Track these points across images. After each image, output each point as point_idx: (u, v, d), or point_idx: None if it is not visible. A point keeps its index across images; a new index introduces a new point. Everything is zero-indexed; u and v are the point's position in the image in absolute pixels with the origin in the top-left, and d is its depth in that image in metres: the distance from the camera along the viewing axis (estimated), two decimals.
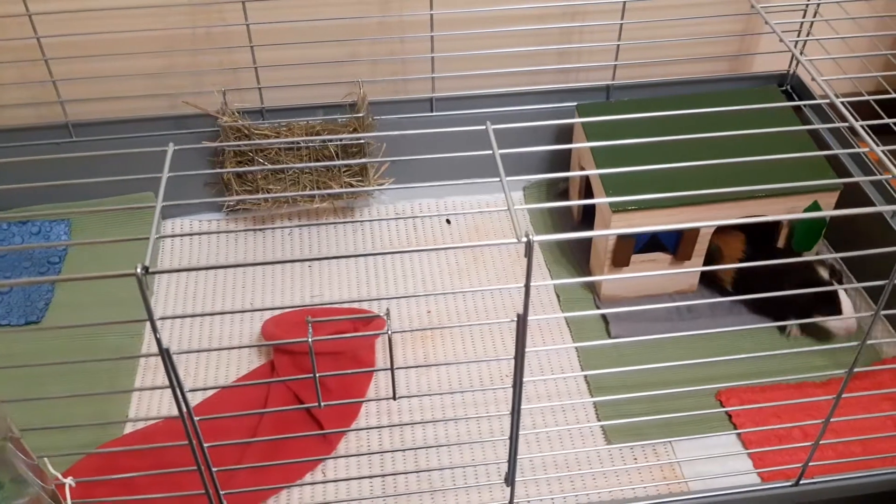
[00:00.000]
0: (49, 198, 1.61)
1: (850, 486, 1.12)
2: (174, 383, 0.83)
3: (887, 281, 0.90)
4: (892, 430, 1.28)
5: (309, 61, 1.61)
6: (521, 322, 0.84)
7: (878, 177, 1.01)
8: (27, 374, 1.31)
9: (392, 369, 0.87)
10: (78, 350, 1.40)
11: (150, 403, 1.34)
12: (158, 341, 0.79)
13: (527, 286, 0.81)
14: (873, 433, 1.25)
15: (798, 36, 1.63)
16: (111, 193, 1.62)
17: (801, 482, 1.10)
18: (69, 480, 0.92)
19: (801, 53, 1.57)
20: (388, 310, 0.86)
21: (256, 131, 1.54)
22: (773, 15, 1.24)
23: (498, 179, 0.85)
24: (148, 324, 1.44)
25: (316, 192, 0.89)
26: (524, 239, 0.78)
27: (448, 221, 1.66)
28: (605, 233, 0.85)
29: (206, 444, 0.90)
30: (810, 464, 1.08)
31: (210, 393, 1.34)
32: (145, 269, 0.74)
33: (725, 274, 1.47)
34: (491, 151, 0.87)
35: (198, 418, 0.88)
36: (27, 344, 1.42)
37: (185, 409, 0.86)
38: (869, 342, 0.98)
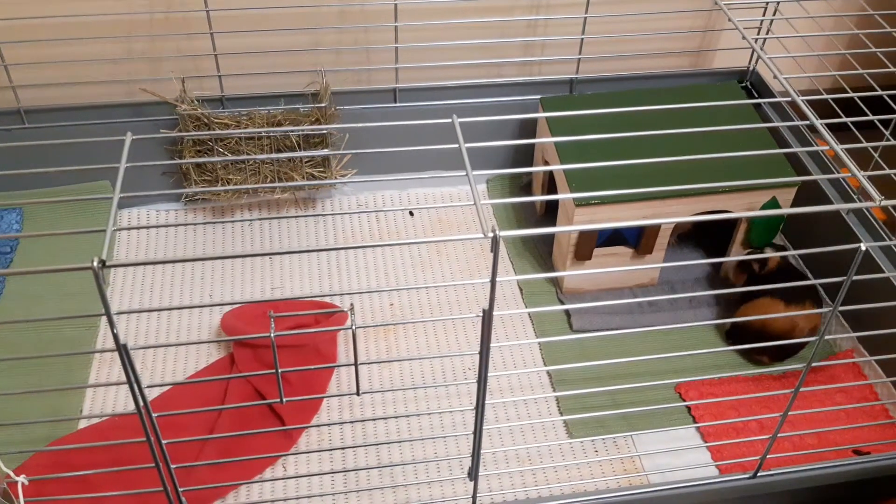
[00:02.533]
0: (0, 185, 1.57)
1: (806, 478, 1.14)
2: (131, 379, 0.81)
3: (844, 278, 0.92)
4: (846, 422, 1.31)
5: (271, 49, 1.58)
6: (487, 317, 0.83)
7: (837, 175, 1.03)
8: None
9: (356, 365, 0.86)
10: (30, 342, 1.36)
11: (106, 397, 1.31)
12: (116, 337, 0.77)
13: (492, 282, 0.81)
14: (828, 426, 1.28)
15: (758, 34, 1.65)
16: (65, 182, 1.58)
17: (758, 474, 1.12)
18: (22, 478, 0.89)
19: (762, 50, 1.59)
20: (352, 305, 0.85)
21: (216, 120, 1.52)
22: (734, 12, 1.26)
23: (464, 174, 0.84)
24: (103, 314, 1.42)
25: (277, 184, 0.88)
26: (490, 234, 0.77)
27: (411, 213, 1.65)
28: (572, 228, 0.85)
29: (164, 441, 0.88)
30: (767, 456, 1.10)
31: (168, 386, 1.31)
32: (102, 262, 0.72)
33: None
34: (453, 146, 0.86)
35: (156, 415, 0.86)
36: None
37: (142, 406, 0.84)
38: (825, 337, 0.99)
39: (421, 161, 1.67)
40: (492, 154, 1.68)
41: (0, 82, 1.51)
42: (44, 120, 1.55)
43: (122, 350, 0.78)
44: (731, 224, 1.49)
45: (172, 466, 0.92)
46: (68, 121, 1.55)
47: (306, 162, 1.57)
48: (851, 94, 1.40)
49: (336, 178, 1.58)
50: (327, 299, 1.45)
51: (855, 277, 0.91)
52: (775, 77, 1.10)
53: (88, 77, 1.57)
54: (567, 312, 1.46)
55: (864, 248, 0.89)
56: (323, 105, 1.53)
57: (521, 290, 1.51)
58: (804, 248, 0.99)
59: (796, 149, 1.54)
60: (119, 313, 0.78)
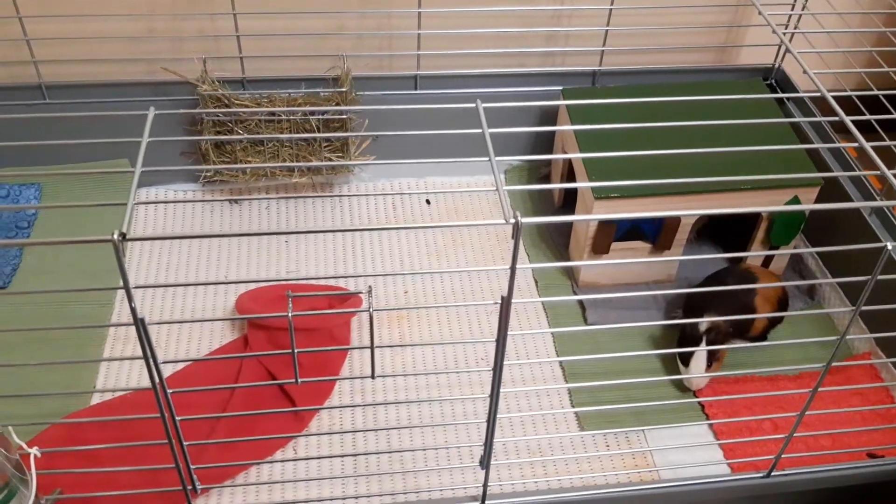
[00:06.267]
0: (19, 160, 1.57)
1: (820, 479, 1.13)
2: (147, 354, 0.81)
3: (869, 277, 0.91)
4: (861, 425, 1.29)
5: (293, 32, 1.57)
6: (505, 305, 0.82)
7: (860, 173, 1.01)
8: None
9: (372, 348, 0.86)
10: (46, 317, 1.37)
11: (119, 373, 1.31)
12: (133, 310, 0.77)
13: (512, 269, 0.80)
14: (842, 427, 1.27)
15: (785, 29, 1.63)
16: (83, 158, 1.58)
17: (772, 474, 1.11)
18: (34, 451, 0.89)
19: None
20: (370, 287, 0.85)
21: (236, 101, 1.51)
22: (762, 7, 1.24)
23: (486, 160, 0.83)
24: (118, 293, 1.43)
25: (295, 164, 0.87)
26: (512, 220, 0.76)
27: (428, 202, 1.65)
28: (593, 217, 0.84)
29: (178, 418, 0.88)
30: (781, 456, 1.09)
31: (181, 365, 1.31)
32: (122, 235, 0.72)
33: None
34: (476, 131, 0.86)
35: (171, 391, 0.86)
36: None
37: (157, 382, 0.84)
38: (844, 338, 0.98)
39: (439, 149, 1.66)
40: (511, 144, 1.67)
41: (22, 57, 1.51)
42: (64, 96, 1.55)
43: (140, 324, 0.78)
44: (752, 223, 1.48)
45: (185, 444, 0.92)
46: (88, 97, 1.55)
47: (325, 146, 1.56)
48: (877, 93, 1.38)
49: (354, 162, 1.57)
50: (342, 283, 1.45)
51: (878, 278, 0.90)
52: (805, 72, 1.09)
53: (110, 54, 1.57)
54: (582, 305, 1.45)
55: (890, 247, 0.87)
56: (343, 90, 1.52)
57: (536, 282, 1.50)
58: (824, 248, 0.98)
59: (818, 145, 1.53)
60: (137, 287, 0.78)
